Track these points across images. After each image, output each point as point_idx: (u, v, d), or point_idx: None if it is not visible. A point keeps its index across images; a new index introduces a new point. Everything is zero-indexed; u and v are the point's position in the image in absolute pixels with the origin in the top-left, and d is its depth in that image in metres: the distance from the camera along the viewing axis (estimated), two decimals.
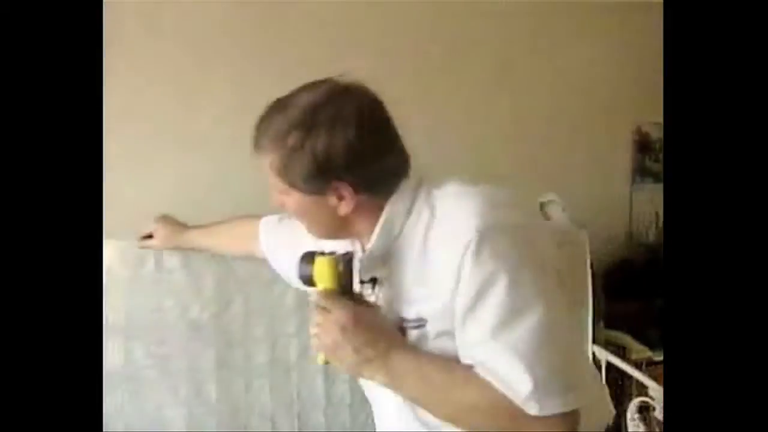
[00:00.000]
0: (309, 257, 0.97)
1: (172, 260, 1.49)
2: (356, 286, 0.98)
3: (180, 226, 1.49)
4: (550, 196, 1.68)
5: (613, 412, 1.09)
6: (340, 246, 1.01)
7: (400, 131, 0.96)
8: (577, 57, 2.07)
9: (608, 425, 1.08)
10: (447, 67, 1.97)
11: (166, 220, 1.50)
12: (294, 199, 0.97)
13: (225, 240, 1.44)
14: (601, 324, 1.83)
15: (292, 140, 0.91)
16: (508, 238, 0.89)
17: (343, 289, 0.95)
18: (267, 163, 0.94)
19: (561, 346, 0.90)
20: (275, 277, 1.29)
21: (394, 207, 0.96)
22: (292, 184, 0.94)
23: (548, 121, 2.07)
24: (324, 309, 0.93)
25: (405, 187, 0.96)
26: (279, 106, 0.94)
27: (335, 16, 1.86)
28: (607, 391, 1.12)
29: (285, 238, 1.23)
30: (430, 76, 1.94)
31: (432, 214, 0.94)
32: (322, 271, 0.95)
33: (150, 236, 1.49)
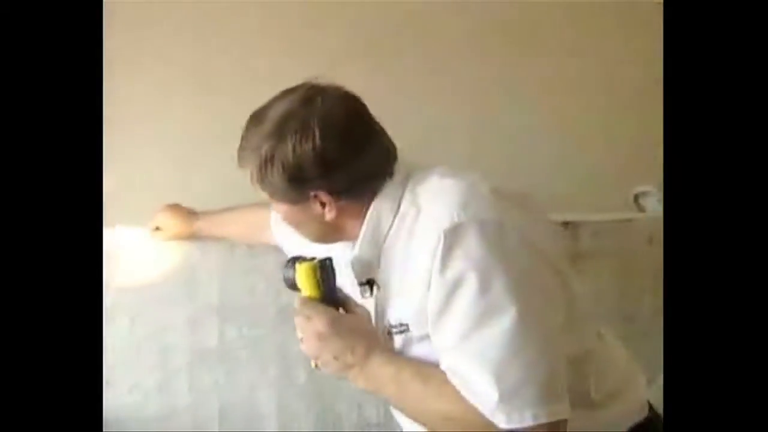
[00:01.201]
0: (291, 263, 0.96)
1: None
2: (349, 290, 0.97)
3: (188, 216, 1.43)
4: (644, 188, 1.64)
5: (647, 404, 1.02)
6: (340, 248, 0.99)
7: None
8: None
9: (646, 417, 1.01)
10: (522, 58, 1.92)
11: (174, 210, 1.44)
12: (281, 208, 0.97)
13: (236, 229, 1.42)
14: None
15: (263, 153, 0.91)
16: (478, 235, 0.84)
17: (323, 295, 0.94)
18: (248, 176, 0.94)
19: (538, 352, 0.83)
20: None
21: (377, 210, 0.93)
22: (273, 196, 0.95)
23: (640, 114, 2.00)
24: (305, 317, 0.93)
25: (389, 188, 0.94)
26: (255, 118, 0.94)
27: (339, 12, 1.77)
28: (643, 380, 1.04)
29: None
30: (522, 65, 1.90)
31: (417, 214, 0.91)
32: (302, 279, 0.94)
33: (159, 229, 1.45)
